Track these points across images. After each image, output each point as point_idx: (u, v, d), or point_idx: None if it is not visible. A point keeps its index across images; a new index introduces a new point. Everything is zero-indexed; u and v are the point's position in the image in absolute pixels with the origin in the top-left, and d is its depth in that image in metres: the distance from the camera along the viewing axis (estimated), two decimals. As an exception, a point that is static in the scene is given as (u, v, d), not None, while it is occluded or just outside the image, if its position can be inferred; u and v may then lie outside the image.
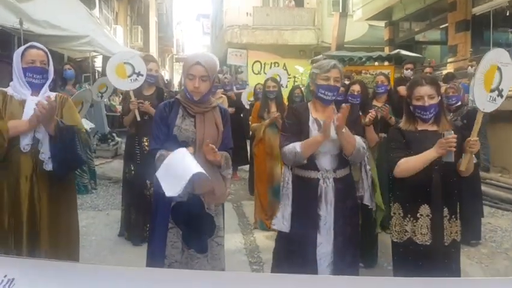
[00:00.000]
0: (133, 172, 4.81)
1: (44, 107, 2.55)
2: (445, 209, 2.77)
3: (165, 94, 4.94)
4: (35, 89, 2.77)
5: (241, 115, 7.65)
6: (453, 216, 2.80)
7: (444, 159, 2.68)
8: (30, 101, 2.72)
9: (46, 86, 2.83)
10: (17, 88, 2.76)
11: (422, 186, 2.76)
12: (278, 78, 7.23)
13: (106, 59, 12.08)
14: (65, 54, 10.55)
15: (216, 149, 2.64)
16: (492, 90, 2.75)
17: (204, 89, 2.70)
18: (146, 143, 4.73)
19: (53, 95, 2.88)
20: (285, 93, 7.70)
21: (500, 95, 2.77)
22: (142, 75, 4.72)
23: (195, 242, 2.75)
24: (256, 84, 7.08)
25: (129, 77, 4.72)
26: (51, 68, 2.85)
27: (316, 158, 2.87)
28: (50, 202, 2.77)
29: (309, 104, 3.02)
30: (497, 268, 4.32)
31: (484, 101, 2.76)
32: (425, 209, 2.77)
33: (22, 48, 2.78)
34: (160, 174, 2.56)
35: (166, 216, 2.73)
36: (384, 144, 4.83)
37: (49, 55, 2.86)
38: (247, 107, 7.63)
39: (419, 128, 2.87)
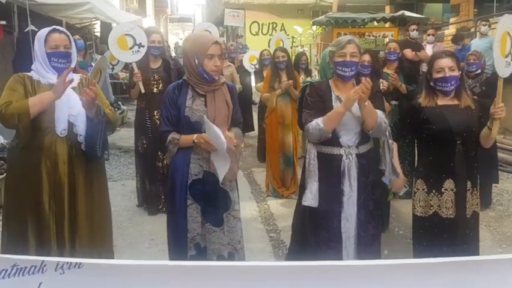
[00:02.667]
0: (145, 145, 4.91)
1: (90, 94, 2.61)
2: (468, 182, 2.88)
3: (172, 66, 4.95)
4: (61, 72, 2.77)
5: (247, 81, 7.61)
6: (474, 189, 2.91)
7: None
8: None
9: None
10: (42, 73, 2.78)
11: (445, 161, 2.85)
12: (281, 44, 7.16)
13: (104, 25, 11.92)
14: (64, 21, 10.41)
15: (233, 137, 2.73)
16: (506, 56, 2.81)
17: (221, 66, 2.77)
18: (157, 116, 4.78)
19: (77, 77, 2.90)
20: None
21: None
22: (144, 46, 4.75)
23: (212, 216, 2.86)
24: (263, 50, 7.04)
25: (131, 48, 4.75)
26: (74, 51, 2.87)
27: (339, 135, 2.92)
28: (87, 182, 2.87)
29: (330, 81, 3.05)
30: (505, 231, 4.48)
31: (502, 67, 2.82)
32: (449, 184, 2.87)
33: (44, 32, 2.76)
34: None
35: (184, 194, 2.84)
36: (395, 112, 4.92)
37: (71, 38, 2.87)
38: (250, 70, 7.57)
39: (439, 103, 2.91)
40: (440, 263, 1.59)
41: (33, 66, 2.83)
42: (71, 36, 2.88)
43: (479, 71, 4.92)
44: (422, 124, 2.91)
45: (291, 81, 5.26)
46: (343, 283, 1.58)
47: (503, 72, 2.81)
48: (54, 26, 2.84)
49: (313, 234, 3.06)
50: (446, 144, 2.83)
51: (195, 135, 2.72)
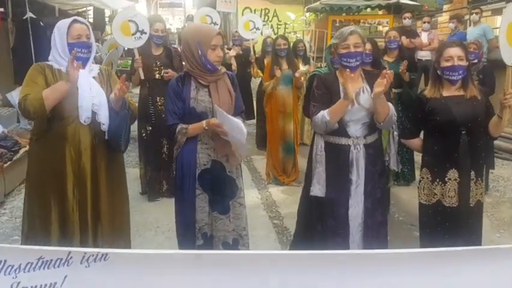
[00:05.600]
0: (149, 132, 4.97)
1: (124, 90, 2.68)
2: (472, 172, 2.93)
3: (173, 53, 5.00)
4: (82, 62, 2.79)
5: (247, 70, 7.53)
6: (479, 179, 2.97)
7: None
8: (81, 74, 2.76)
9: (91, 59, 2.88)
10: (62, 63, 2.79)
11: (450, 152, 2.90)
12: (252, 25, 7.06)
13: (97, 11, 11.79)
14: (57, 7, 10.27)
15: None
16: None
17: (222, 57, 2.85)
18: (159, 103, 4.85)
19: (97, 67, 2.93)
20: (260, 39, 7.53)
21: None
22: (146, 33, 4.80)
23: (219, 204, 2.93)
24: (267, 38, 7.03)
25: (133, 35, 4.79)
26: (93, 41, 2.89)
27: (347, 126, 2.96)
28: (108, 170, 2.92)
29: (337, 72, 3.08)
30: (503, 217, 4.60)
31: (510, 55, 2.81)
32: (453, 174, 2.93)
33: (66, 23, 2.78)
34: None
35: (193, 185, 2.89)
36: (395, 100, 4.97)
37: (91, 28, 2.89)
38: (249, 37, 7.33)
39: (444, 94, 2.94)
40: (450, 251, 1.63)
41: (50, 57, 2.84)
42: (90, 27, 2.91)
43: (476, 60, 4.98)
44: (427, 115, 2.96)
45: (279, 73, 5.31)
46: (351, 271, 1.63)
47: (511, 60, 2.81)
48: (74, 17, 2.87)
49: (320, 222, 3.12)
50: (451, 134, 2.89)
51: (204, 121, 2.76)
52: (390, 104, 2.94)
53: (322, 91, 3.01)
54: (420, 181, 3.10)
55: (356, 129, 2.98)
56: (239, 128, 2.67)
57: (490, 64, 5.05)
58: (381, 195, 3.11)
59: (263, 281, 1.63)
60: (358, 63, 2.95)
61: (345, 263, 1.65)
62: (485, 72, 4.95)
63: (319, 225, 3.14)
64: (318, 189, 3.03)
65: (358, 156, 2.98)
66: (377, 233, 3.09)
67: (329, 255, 1.76)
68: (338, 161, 3.01)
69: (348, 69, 2.94)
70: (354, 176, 3.00)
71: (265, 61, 6.22)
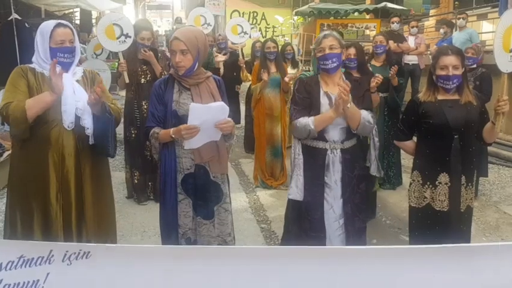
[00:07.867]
0: (133, 135, 4.95)
1: (95, 98, 2.61)
2: (463, 177, 2.93)
3: (159, 55, 4.97)
4: (66, 67, 2.75)
5: (234, 73, 7.50)
6: (469, 184, 2.97)
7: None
8: (65, 78, 2.71)
9: (75, 63, 2.83)
10: (45, 67, 2.73)
11: (442, 156, 2.90)
12: (239, 29, 7.06)
13: (84, 13, 11.69)
14: (43, 8, 10.16)
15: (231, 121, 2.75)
16: (511, 51, 2.78)
17: (187, 62, 2.75)
18: (145, 106, 4.81)
19: (81, 70, 2.89)
20: (249, 43, 7.53)
21: None
22: (130, 37, 4.79)
23: (203, 209, 2.90)
24: (256, 42, 7.03)
25: (118, 38, 4.79)
26: (78, 45, 2.84)
27: (325, 130, 2.95)
28: (93, 175, 2.86)
29: (319, 76, 3.07)
30: (488, 220, 4.63)
31: (505, 62, 2.79)
32: (444, 178, 2.92)
33: (49, 27, 2.72)
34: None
35: (175, 189, 2.87)
36: (382, 104, 5.00)
37: (75, 31, 2.84)
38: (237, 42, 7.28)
39: (439, 98, 2.93)
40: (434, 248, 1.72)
41: (34, 59, 2.79)
42: (75, 30, 2.85)
43: (474, 65, 4.95)
44: (420, 118, 2.96)
45: (266, 77, 5.31)
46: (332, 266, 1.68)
47: (506, 67, 2.78)
48: (59, 21, 2.81)
49: (295, 224, 3.13)
50: (444, 138, 2.89)
51: (171, 130, 2.71)
52: (364, 112, 2.92)
53: (303, 95, 3.01)
54: (410, 184, 3.10)
55: (334, 134, 2.97)
56: (220, 109, 2.61)
57: (487, 71, 4.98)
58: (361, 200, 3.09)
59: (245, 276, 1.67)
60: (335, 64, 2.93)
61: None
62: (482, 79, 4.89)
63: (295, 227, 3.16)
64: (296, 192, 3.03)
65: (334, 160, 2.98)
66: (358, 239, 3.07)
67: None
68: (314, 164, 3.01)
69: (326, 72, 2.96)
70: (330, 180, 3.00)
71: (255, 64, 6.19)
